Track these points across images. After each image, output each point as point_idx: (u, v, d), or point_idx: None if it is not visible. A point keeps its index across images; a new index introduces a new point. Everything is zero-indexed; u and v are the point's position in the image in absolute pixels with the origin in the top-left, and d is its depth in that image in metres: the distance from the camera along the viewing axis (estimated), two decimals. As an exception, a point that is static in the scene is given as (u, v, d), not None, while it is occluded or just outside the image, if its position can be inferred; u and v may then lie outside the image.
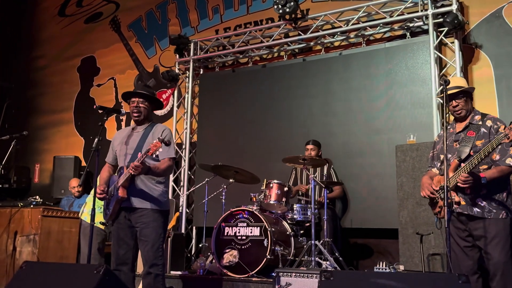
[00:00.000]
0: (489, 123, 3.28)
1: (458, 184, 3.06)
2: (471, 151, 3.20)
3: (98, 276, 2.40)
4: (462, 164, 3.17)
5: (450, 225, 3.17)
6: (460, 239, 3.26)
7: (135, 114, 3.71)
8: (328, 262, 4.54)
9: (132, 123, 3.88)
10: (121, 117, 7.55)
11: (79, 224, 4.53)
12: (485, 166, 3.21)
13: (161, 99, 7.37)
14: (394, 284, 2.10)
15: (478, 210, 3.16)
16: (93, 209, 3.42)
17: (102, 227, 4.43)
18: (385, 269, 4.26)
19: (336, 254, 4.70)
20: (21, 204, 5.92)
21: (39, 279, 2.60)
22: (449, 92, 3.29)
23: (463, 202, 3.20)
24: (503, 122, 3.32)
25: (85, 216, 4.41)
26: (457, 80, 3.57)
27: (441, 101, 5.29)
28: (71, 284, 2.48)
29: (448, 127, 3.53)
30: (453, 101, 3.34)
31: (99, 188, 3.58)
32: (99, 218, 4.36)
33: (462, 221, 3.25)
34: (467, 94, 3.39)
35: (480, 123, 3.31)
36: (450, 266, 2.66)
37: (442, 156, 3.37)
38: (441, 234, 4.21)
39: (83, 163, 7.59)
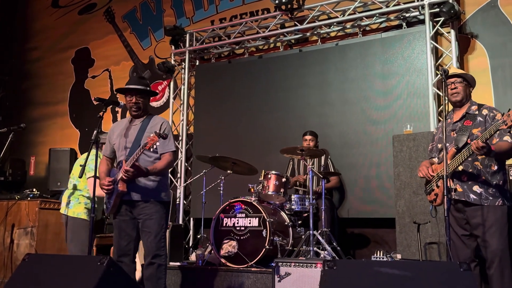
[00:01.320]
0: (485, 111, 3.33)
1: (472, 147, 3.07)
2: (468, 139, 3.24)
3: (102, 267, 2.41)
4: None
5: (449, 214, 3.20)
6: (458, 227, 3.30)
7: (134, 110, 3.70)
8: (326, 252, 4.58)
9: (128, 114, 3.87)
10: (117, 109, 7.53)
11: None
12: (483, 156, 3.23)
13: (157, 91, 7.39)
14: (397, 272, 2.13)
15: (475, 197, 3.19)
16: (93, 201, 3.42)
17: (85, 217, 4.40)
18: (383, 258, 4.31)
19: (334, 244, 4.74)
20: (18, 197, 5.93)
21: (42, 271, 2.61)
22: (449, 74, 3.37)
23: (460, 189, 3.24)
24: (499, 110, 3.37)
25: (65, 210, 4.40)
26: (458, 71, 3.62)
27: (438, 91, 5.34)
28: (76, 275, 2.49)
29: (446, 118, 3.57)
30: (452, 84, 3.41)
31: (106, 180, 3.56)
32: (79, 209, 4.37)
33: (459, 209, 3.29)
34: (466, 80, 3.46)
35: (477, 112, 3.36)
36: (450, 254, 2.69)
37: (440, 145, 3.41)
38: (437, 223, 4.26)
39: (79, 155, 7.56)
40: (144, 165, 3.51)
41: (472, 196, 3.21)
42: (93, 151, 4.45)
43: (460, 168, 3.25)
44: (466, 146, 3.21)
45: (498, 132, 3.06)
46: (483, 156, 3.20)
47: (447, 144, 3.33)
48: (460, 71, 3.58)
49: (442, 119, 3.65)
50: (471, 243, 3.29)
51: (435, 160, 3.56)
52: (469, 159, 3.19)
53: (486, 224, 3.15)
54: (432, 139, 3.71)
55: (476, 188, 3.21)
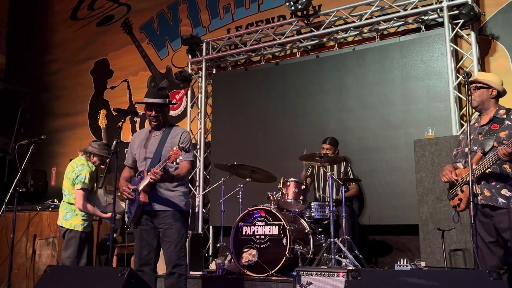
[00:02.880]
0: None
1: (499, 153, 3.01)
2: (495, 142, 3.18)
3: (123, 278, 2.40)
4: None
5: (476, 220, 3.12)
6: (486, 234, 3.20)
7: (154, 123, 3.70)
8: (347, 260, 4.50)
9: (147, 124, 3.87)
10: (135, 119, 7.58)
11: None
12: (506, 165, 3.18)
13: (175, 100, 7.43)
14: (424, 282, 2.06)
15: (504, 200, 3.12)
16: (113, 211, 3.43)
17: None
18: (406, 266, 4.22)
19: (356, 251, 4.66)
20: (40, 207, 5.99)
21: (64, 283, 2.61)
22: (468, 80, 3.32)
23: (487, 193, 3.17)
24: None
25: (61, 222, 4.46)
26: (482, 74, 3.55)
27: (459, 94, 5.24)
28: (97, 287, 2.48)
29: (473, 123, 3.52)
30: (469, 90, 3.36)
31: (128, 187, 3.58)
32: (76, 221, 4.43)
33: (487, 214, 3.20)
34: (481, 86, 3.39)
35: (505, 116, 3.30)
36: (478, 262, 2.61)
37: (467, 149, 3.29)
38: (462, 229, 4.15)
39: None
40: None
41: (500, 199, 3.13)
42: (82, 161, 4.52)
43: (488, 171, 3.17)
44: (493, 149, 3.14)
45: None
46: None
47: (475, 148, 3.28)
48: (480, 76, 3.50)
49: (466, 123, 3.54)
50: (498, 250, 3.19)
51: (459, 165, 3.49)
52: (498, 162, 3.11)
53: None
54: (458, 144, 3.63)
55: (504, 191, 3.14)
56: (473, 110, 3.55)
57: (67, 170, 4.60)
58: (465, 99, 5.30)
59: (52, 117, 8.70)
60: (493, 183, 3.17)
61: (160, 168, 3.36)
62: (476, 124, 3.46)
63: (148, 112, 3.69)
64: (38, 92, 8.96)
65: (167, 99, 3.72)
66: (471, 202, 2.73)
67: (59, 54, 8.94)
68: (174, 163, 3.31)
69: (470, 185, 2.75)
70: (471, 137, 3.34)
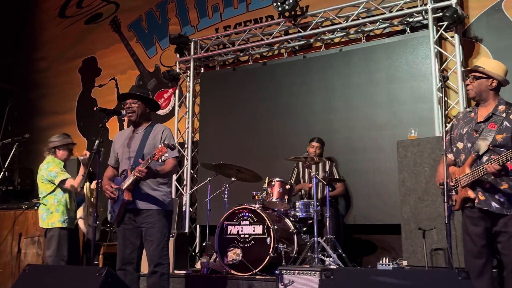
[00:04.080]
0: None
1: (487, 170, 2.91)
2: (491, 145, 3.05)
3: (100, 278, 2.42)
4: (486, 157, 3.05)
5: (468, 222, 3.13)
6: (476, 236, 3.13)
7: (129, 114, 3.75)
8: (331, 259, 4.55)
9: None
10: (122, 118, 7.57)
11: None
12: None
13: (163, 99, 7.44)
14: (395, 281, 2.11)
15: (497, 206, 3.03)
16: (96, 211, 3.45)
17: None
18: (389, 265, 4.28)
19: (339, 250, 4.71)
20: (25, 206, 5.98)
21: (42, 281, 2.63)
22: (469, 68, 3.23)
23: (482, 197, 3.07)
24: None
25: (40, 223, 4.51)
26: (485, 61, 3.32)
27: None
28: (74, 286, 2.51)
29: (469, 111, 3.32)
30: (468, 79, 3.21)
31: (111, 185, 3.60)
32: (52, 219, 4.48)
33: (481, 218, 3.10)
34: (481, 76, 3.17)
35: (504, 115, 3.09)
36: (451, 261, 2.66)
37: (460, 145, 3.22)
38: (444, 228, 4.20)
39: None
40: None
41: (494, 204, 3.04)
42: (47, 159, 4.56)
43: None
44: (488, 152, 3.06)
45: None
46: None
47: (469, 145, 3.17)
48: (482, 63, 3.24)
49: (453, 121, 3.43)
50: (487, 251, 3.13)
51: (450, 156, 3.33)
52: (490, 161, 2.99)
53: (509, 232, 3.02)
54: (451, 128, 3.40)
55: (498, 196, 3.05)
56: (453, 112, 3.54)
57: (38, 174, 4.66)
58: (448, 100, 5.40)
59: (40, 115, 8.67)
60: (487, 187, 3.07)
61: (145, 165, 3.39)
62: (473, 114, 3.27)
63: (125, 105, 3.75)
64: (26, 90, 8.91)
65: (144, 95, 3.78)
66: (445, 203, 2.77)
67: (47, 52, 8.91)
68: (160, 160, 3.34)
69: (445, 186, 2.79)
70: (465, 130, 3.24)
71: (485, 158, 3.07)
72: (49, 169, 4.53)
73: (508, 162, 2.90)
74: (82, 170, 4.60)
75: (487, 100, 3.18)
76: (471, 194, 3.07)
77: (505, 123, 3.07)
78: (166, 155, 3.30)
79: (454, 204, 3.20)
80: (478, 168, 3.02)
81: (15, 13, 9.21)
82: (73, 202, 4.66)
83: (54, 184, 4.52)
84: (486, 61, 3.32)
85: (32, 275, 2.69)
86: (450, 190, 3.19)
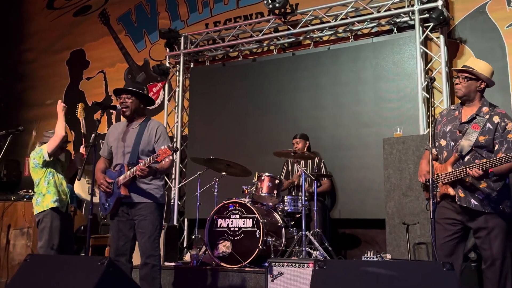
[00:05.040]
0: (496, 119, 3.17)
1: (470, 174, 3.01)
2: (473, 146, 3.14)
3: (102, 267, 2.50)
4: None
5: (445, 213, 3.24)
6: (452, 227, 3.25)
7: (123, 109, 3.81)
8: (318, 252, 4.69)
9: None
10: (111, 111, 7.59)
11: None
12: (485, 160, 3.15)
13: (152, 92, 7.47)
14: (384, 271, 2.25)
15: (476, 203, 3.13)
16: (91, 202, 3.52)
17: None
18: (373, 258, 4.43)
19: (326, 244, 4.85)
20: (14, 197, 5.99)
21: (44, 271, 2.70)
22: (457, 68, 3.35)
23: (462, 194, 3.17)
24: (511, 118, 3.22)
25: (36, 210, 4.55)
26: (475, 62, 3.39)
27: (427, 95, 5.47)
28: (76, 275, 2.58)
29: (454, 109, 3.40)
30: (457, 78, 3.28)
31: (107, 180, 3.66)
32: (46, 201, 4.50)
33: (460, 213, 3.21)
34: (471, 77, 3.24)
35: (487, 116, 3.18)
36: (436, 255, 2.80)
37: (443, 142, 3.31)
38: (427, 223, 4.37)
39: (73, 156, 7.62)
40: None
41: (473, 201, 3.14)
42: (37, 149, 4.61)
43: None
44: (470, 152, 3.16)
45: (506, 145, 3.02)
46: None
47: (452, 143, 3.27)
48: (473, 65, 3.31)
49: (437, 117, 3.54)
50: (463, 245, 3.28)
51: (434, 151, 3.41)
52: (472, 164, 3.10)
53: (488, 227, 3.14)
54: (435, 124, 3.48)
55: (478, 194, 3.14)
56: (438, 110, 3.66)
57: (29, 163, 4.69)
58: (432, 100, 5.56)
59: (27, 107, 8.62)
60: (468, 185, 3.15)
61: (147, 165, 3.48)
62: (457, 113, 3.36)
63: (120, 100, 3.82)
64: (13, 82, 8.85)
65: (139, 90, 3.83)
66: (430, 199, 2.91)
67: (35, 43, 8.85)
68: (163, 162, 3.41)
69: (430, 183, 2.93)
70: (449, 128, 3.32)
71: (467, 158, 3.19)
72: (36, 151, 4.57)
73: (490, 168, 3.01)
74: (60, 116, 4.55)
75: (473, 101, 3.26)
76: (451, 191, 3.19)
77: (488, 125, 3.16)
78: (170, 157, 3.38)
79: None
80: (460, 169, 3.13)
81: (2, 3, 9.10)
82: (64, 184, 4.66)
83: (46, 163, 4.50)
84: (475, 62, 3.38)
85: (33, 264, 2.75)
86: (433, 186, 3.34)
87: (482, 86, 3.25)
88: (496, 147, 3.16)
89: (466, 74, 3.26)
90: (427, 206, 3.34)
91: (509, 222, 3.21)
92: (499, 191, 3.17)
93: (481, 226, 3.17)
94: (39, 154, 4.53)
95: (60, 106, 4.57)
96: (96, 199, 4.00)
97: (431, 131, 3.42)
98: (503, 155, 3.03)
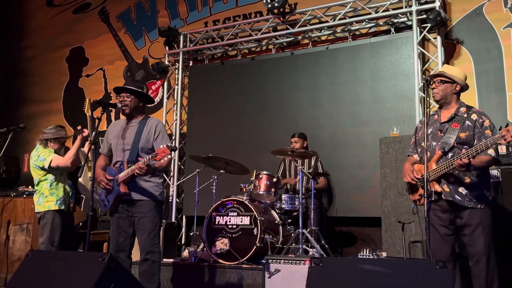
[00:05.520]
0: (474, 116, 3.36)
1: (455, 164, 3.12)
2: (455, 142, 3.30)
3: (103, 263, 2.55)
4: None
5: (432, 214, 3.34)
6: (442, 227, 3.38)
7: (123, 108, 3.86)
8: (314, 250, 4.75)
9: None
10: (110, 108, 7.62)
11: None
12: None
13: (151, 90, 7.50)
14: (379, 269, 2.30)
15: (460, 198, 3.27)
16: (91, 198, 3.57)
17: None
18: (369, 256, 4.49)
19: (322, 241, 4.91)
20: (14, 194, 6.04)
21: (45, 267, 2.75)
22: (433, 74, 3.52)
23: (447, 189, 3.30)
24: (488, 116, 3.39)
25: (37, 208, 4.62)
26: (448, 67, 3.59)
27: (424, 95, 5.53)
28: (78, 271, 2.63)
29: (433, 114, 3.59)
30: (434, 83, 3.45)
31: (106, 177, 3.71)
32: (49, 202, 4.58)
33: (446, 210, 3.35)
34: (446, 81, 3.43)
35: (465, 115, 3.37)
36: (430, 253, 2.85)
37: (423, 143, 3.44)
38: (420, 223, 4.44)
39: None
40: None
41: (457, 197, 3.28)
42: (38, 148, 4.67)
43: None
44: (453, 149, 3.30)
45: (484, 140, 3.12)
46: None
47: (434, 143, 3.41)
48: (447, 69, 3.50)
49: (423, 117, 3.63)
50: (452, 242, 3.41)
51: (416, 157, 3.61)
52: (456, 157, 3.22)
53: (473, 224, 3.25)
54: (415, 132, 3.70)
55: (461, 189, 3.29)
56: (433, 110, 3.72)
57: (30, 162, 4.76)
58: (429, 100, 5.62)
59: (26, 103, 8.65)
60: (452, 181, 3.31)
61: (145, 163, 3.52)
62: (436, 116, 3.54)
63: (119, 98, 3.87)
64: (13, 78, 8.88)
65: (138, 89, 3.88)
66: (425, 199, 2.96)
67: (34, 40, 8.87)
68: (162, 161, 3.46)
69: (425, 182, 2.98)
70: (430, 130, 3.48)
71: (450, 155, 3.33)
72: (39, 154, 4.63)
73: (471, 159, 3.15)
74: (75, 146, 4.60)
75: (450, 103, 3.46)
76: (437, 187, 3.31)
77: (467, 122, 3.34)
78: (169, 156, 3.42)
79: (420, 199, 3.45)
80: (446, 162, 3.26)
81: (2, 0, 9.11)
82: (66, 185, 4.73)
83: (46, 169, 4.58)
84: (449, 68, 3.59)
85: (35, 260, 2.80)
86: (416, 185, 3.48)
87: (457, 88, 3.45)
88: (475, 142, 3.29)
89: (441, 78, 3.44)
90: (413, 209, 3.55)
91: (493, 218, 3.34)
92: (482, 187, 3.32)
93: (466, 223, 3.28)
94: (40, 160, 4.58)
95: (82, 135, 4.63)
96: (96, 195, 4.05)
97: (413, 139, 3.64)
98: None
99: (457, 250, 3.50)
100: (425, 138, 3.21)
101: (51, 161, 4.56)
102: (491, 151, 3.23)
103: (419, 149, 3.59)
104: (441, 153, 3.33)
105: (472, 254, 3.30)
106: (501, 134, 2.98)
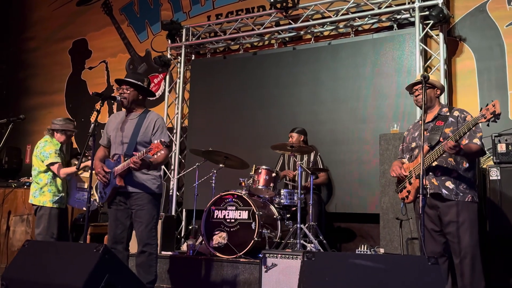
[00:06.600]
0: (456, 113, 3.57)
1: (445, 147, 3.24)
2: (441, 137, 3.46)
3: (98, 254, 2.57)
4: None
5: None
6: (430, 223, 3.48)
7: (122, 100, 3.87)
8: (312, 245, 4.75)
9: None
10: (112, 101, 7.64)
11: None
12: (451, 159, 3.46)
13: (153, 84, 7.52)
14: (371, 264, 2.31)
15: (447, 192, 3.38)
16: (89, 192, 3.58)
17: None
18: (366, 252, 4.50)
19: (320, 237, 4.91)
20: (15, 184, 6.07)
21: (41, 257, 2.77)
22: (411, 83, 3.75)
23: (435, 183, 3.44)
24: (469, 113, 3.59)
25: (31, 199, 4.66)
26: (425, 75, 3.72)
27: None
28: (73, 261, 2.65)
29: (417, 120, 3.88)
30: (416, 90, 3.69)
31: (104, 169, 3.73)
32: (44, 198, 4.64)
33: (433, 206, 3.46)
34: (428, 86, 3.62)
35: (448, 113, 3.60)
36: (424, 249, 2.87)
37: (413, 144, 3.67)
38: (414, 220, 4.44)
39: (74, 145, 7.71)
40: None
41: (444, 191, 3.38)
42: (46, 138, 4.72)
43: (435, 163, 3.43)
44: (439, 144, 3.40)
45: (468, 133, 3.29)
46: (451, 158, 3.43)
47: (420, 143, 3.46)
48: (420, 77, 3.59)
49: (404, 134, 3.98)
50: (441, 239, 3.49)
51: (405, 160, 3.78)
52: (444, 155, 3.38)
53: (459, 221, 3.33)
54: (403, 140, 3.92)
55: (448, 183, 3.41)
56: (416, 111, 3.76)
57: (34, 150, 4.79)
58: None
59: (29, 95, 8.69)
60: (439, 175, 3.44)
61: (139, 158, 3.54)
62: (420, 121, 3.64)
63: (119, 90, 3.88)
64: (15, 70, 8.91)
65: (138, 81, 3.88)
66: (420, 195, 2.97)
67: (37, 32, 8.89)
68: (155, 156, 3.47)
69: (421, 178, 2.99)
70: (416, 133, 3.68)
71: (437, 148, 3.40)
72: (45, 148, 4.67)
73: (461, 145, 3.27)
74: (76, 171, 4.73)
75: (434, 106, 3.70)
76: (425, 181, 3.38)
77: (450, 119, 3.55)
78: (162, 152, 3.43)
79: (408, 195, 3.53)
80: (437, 149, 3.35)
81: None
82: (65, 183, 4.78)
83: (45, 165, 4.64)
84: (425, 75, 3.75)
85: (31, 250, 2.82)
86: (403, 182, 3.59)
87: (438, 92, 3.72)
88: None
89: (422, 84, 3.60)
90: (402, 209, 3.72)
91: (477, 214, 3.42)
92: (469, 181, 3.43)
93: (452, 220, 3.35)
94: (44, 155, 4.63)
95: (84, 165, 4.75)
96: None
97: (401, 146, 3.89)
98: (467, 141, 3.38)
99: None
100: (422, 132, 3.26)
101: (50, 164, 4.62)
102: (476, 140, 3.39)
103: (407, 156, 3.78)
104: (428, 148, 3.46)
105: (457, 251, 3.35)
106: (481, 113, 3.12)
